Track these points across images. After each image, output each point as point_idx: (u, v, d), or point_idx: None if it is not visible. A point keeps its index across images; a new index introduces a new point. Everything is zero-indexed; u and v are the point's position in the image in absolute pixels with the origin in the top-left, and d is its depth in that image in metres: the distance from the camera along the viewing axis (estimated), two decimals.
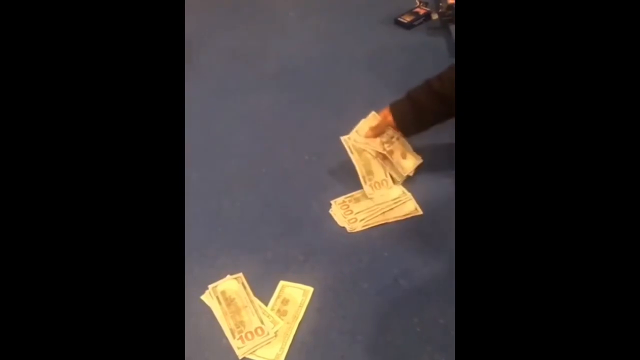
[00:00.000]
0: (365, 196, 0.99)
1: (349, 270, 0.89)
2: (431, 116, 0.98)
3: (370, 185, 0.96)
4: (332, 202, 1.00)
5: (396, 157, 1.00)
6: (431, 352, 0.76)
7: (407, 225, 0.96)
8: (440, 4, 1.55)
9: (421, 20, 1.55)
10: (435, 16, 1.54)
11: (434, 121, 1.00)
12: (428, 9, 1.57)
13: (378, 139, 1.00)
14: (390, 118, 1.00)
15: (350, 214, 0.97)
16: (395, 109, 1.00)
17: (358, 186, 1.01)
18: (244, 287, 0.87)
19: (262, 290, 0.86)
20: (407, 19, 1.55)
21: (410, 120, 0.99)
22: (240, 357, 0.78)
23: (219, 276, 0.88)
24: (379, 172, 0.99)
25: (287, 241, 0.94)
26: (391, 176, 1.00)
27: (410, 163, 1.01)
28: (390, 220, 0.96)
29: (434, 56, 1.40)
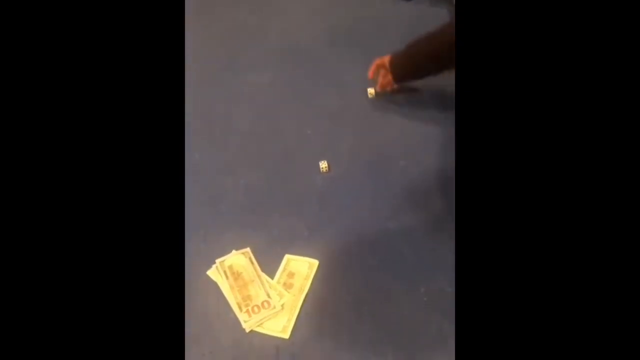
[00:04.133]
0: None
1: (354, 243, 0.88)
2: (425, 60, 1.07)
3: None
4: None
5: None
6: (439, 321, 0.76)
7: (413, 198, 0.95)
8: None
9: None
10: None
11: (429, 68, 1.08)
12: None
13: None
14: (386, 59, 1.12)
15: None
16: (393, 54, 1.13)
17: (360, 158, 1.01)
18: (252, 262, 0.87)
19: (268, 264, 0.86)
20: None
21: (405, 62, 1.10)
22: (247, 331, 0.78)
23: (226, 252, 0.88)
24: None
25: (292, 216, 0.94)
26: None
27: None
28: None
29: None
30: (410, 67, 1.11)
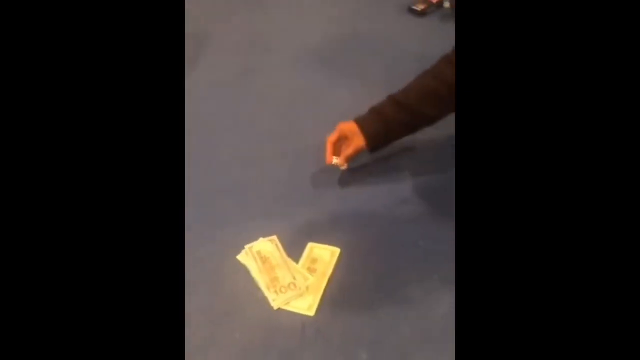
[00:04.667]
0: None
1: (372, 233, 0.96)
2: (399, 128, 1.03)
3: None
4: None
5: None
6: (449, 303, 0.84)
7: (426, 192, 1.03)
8: None
9: (433, 8, 1.62)
10: (447, 4, 1.61)
11: (402, 133, 1.05)
12: None
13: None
14: (359, 135, 1.02)
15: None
16: (364, 124, 1.03)
17: (375, 154, 1.09)
18: (278, 248, 0.94)
19: (293, 251, 0.94)
20: (420, 7, 1.62)
21: (380, 133, 1.03)
22: (275, 308, 0.85)
23: (253, 239, 0.96)
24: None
25: (314, 207, 1.02)
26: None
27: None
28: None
29: (445, 42, 1.47)
30: (385, 132, 1.03)
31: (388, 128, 1.03)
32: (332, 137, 1.05)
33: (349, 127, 1.04)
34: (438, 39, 1.49)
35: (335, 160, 1.05)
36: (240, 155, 1.16)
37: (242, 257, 0.94)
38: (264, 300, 0.87)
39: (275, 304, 0.86)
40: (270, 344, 0.81)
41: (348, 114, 1.26)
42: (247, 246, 0.95)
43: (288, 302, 0.86)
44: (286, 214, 1.01)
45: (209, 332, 0.82)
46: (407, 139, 1.09)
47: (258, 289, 0.89)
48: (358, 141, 1.04)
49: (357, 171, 1.09)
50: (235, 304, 0.87)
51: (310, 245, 0.95)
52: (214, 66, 1.43)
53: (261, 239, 0.96)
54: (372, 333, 0.81)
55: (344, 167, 1.06)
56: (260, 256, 0.93)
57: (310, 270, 0.91)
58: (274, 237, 0.96)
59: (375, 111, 1.03)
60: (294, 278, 0.89)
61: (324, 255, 0.93)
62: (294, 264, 0.92)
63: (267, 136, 1.20)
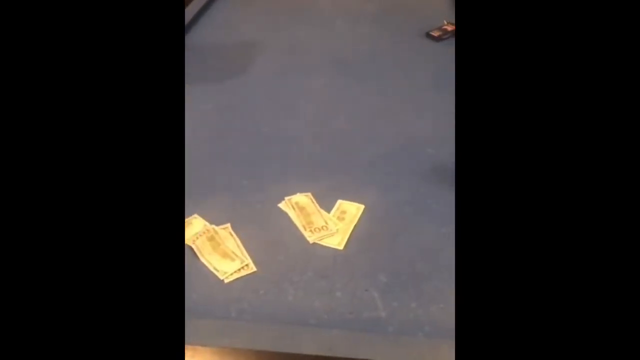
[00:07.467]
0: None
1: (392, 196, 1.16)
2: None
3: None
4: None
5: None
6: (451, 250, 1.02)
7: (437, 172, 1.24)
8: None
9: (448, 35, 1.87)
10: None
11: None
12: (454, 27, 1.90)
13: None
14: None
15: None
16: None
17: (396, 143, 1.30)
18: (312, 201, 1.14)
19: (325, 206, 1.13)
20: (436, 33, 1.87)
21: None
22: (310, 242, 1.04)
23: (292, 194, 1.16)
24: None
25: (344, 175, 1.22)
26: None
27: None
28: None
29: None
30: None
31: None
32: None
33: None
34: (451, 61, 1.75)
35: None
36: (278, 133, 1.39)
37: (282, 206, 1.13)
38: (302, 236, 1.06)
39: (310, 240, 1.05)
40: (307, 265, 0.99)
41: (364, 111, 1.52)
42: (286, 198, 1.15)
43: (321, 239, 1.05)
44: (320, 178, 1.21)
45: (259, 255, 1.01)
46: (422, 131, 1.31)
47: (297, 228, 1.08)
48: None
49: (382, 153, 1.30)
50: (279, 237, 1.06)
51: (339, 201, 1.15)
52: (263, 65, 1.69)
53: (298, 193, 1.16)
54: (390, 265, 0.99)
55: None
56: (298, 206, 1.13)
57: (339, 219, 1.10)
58: (309, 194, 1.16)
59: None
60: (326, 223, 1.09)
61: (351, 209, 1.13)
62: (325, 213, 1.11)
63: (304, 120, 1.43)
